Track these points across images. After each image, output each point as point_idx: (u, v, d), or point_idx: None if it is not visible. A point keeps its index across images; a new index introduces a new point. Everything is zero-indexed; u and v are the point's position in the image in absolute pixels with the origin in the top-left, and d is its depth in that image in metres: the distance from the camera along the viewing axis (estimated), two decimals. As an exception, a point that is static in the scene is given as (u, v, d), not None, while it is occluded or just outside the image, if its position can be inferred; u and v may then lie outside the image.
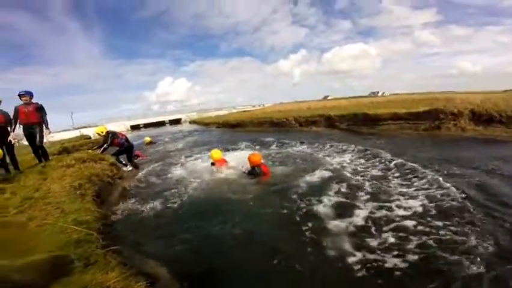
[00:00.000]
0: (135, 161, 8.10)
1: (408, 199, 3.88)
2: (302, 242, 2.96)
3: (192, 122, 32.97)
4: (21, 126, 5.42)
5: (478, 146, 7.21)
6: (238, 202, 4.32)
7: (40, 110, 5.50)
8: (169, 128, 30.11)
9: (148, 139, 14.51)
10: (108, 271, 1.72)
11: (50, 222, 2.39)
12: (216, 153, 6.40)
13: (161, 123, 37.25)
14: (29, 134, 5.48)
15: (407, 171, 5.23)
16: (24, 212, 2.68)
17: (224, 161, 6.39)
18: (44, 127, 5.58)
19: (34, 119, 5.42)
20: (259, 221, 3.64)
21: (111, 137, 7.14)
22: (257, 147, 9.62)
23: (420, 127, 10.23)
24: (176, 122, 37.88)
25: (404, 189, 4.29)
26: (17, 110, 5.32)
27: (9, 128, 5.26)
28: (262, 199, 4.42)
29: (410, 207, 3.59)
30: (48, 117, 5.63)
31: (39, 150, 5.90)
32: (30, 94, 5.44)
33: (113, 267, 1.83)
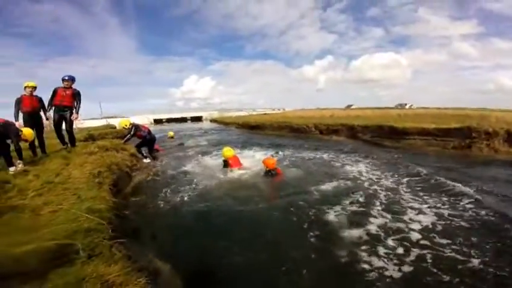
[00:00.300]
0: (153, 155, 8.30)
1: (418, 214, 3.85)
2: (310, 248, 2.94)
3: (213, 120, 33.47)
4: (54, 107, 5.66)
5: (510, 170, 6.60)
6: (249, 203, 4.32)
7: (76, 95, 5.74)
8: (190, 125, 30.84)
9: (171, 133, 14.93)
10: (111, 264, 1.70)
11: (64, 208, 2.44)
12: (228, 151, 6.47)
13: (183, 119, 38.19)
14: (59, 117, 5.73)
15: (426, 186, 5.09)
16: (42, 196, 2.77)
17: (238, 162, 6.43)
18: (74, 112, 5.83)
19: (68, 103, 5.68)
20: (268, 225, 3.61)
21: (134, 130, 7.38)
22: (273, 150, 9.52)
23: (449, 145, 9.55)
24: (198, 119, 38.66)
25: (417, 205, 4.20)
26: (55, 92, 5.60)
27: (41, 113, 5.57)
28: (273, 203, 4.41)
29: (419, 221, 3.58)
30: (82, 105, 5.85)
31: (68, 135, 6.19)
32: (72, 79, 5.71)
33: (117, 260, 1.81)
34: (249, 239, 3.18)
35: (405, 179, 5.57)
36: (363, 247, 2.92)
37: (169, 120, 36.92)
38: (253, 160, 7.32)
